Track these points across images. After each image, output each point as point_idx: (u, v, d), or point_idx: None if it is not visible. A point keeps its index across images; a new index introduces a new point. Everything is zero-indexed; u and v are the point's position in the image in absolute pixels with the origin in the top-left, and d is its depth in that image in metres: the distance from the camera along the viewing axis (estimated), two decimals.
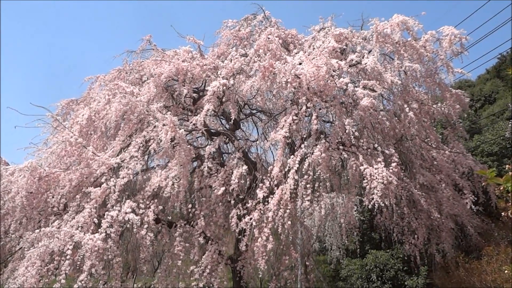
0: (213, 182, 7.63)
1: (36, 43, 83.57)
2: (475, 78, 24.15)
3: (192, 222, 7.79)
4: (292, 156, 7.12)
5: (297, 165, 6.91)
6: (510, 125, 13.53)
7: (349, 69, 7.79)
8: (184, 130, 7.52)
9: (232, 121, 8.07)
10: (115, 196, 6.71)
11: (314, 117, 7.03)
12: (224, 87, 7.72)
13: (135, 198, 7.17)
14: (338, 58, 7.52)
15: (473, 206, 8.46)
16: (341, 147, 7.13)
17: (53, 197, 6.95)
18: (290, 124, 7.03)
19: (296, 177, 6.89)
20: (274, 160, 7.68)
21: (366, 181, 6.60)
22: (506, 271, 8.65)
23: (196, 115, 7.60)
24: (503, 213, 6.90)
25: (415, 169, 8.55)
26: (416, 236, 8.82)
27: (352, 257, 15.25)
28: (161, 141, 6.95)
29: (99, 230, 6.31)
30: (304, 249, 10.83)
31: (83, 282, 5.93)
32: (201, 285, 7.25)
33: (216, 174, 7.67)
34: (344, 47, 8.31)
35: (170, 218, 8.41)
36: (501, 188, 3.66)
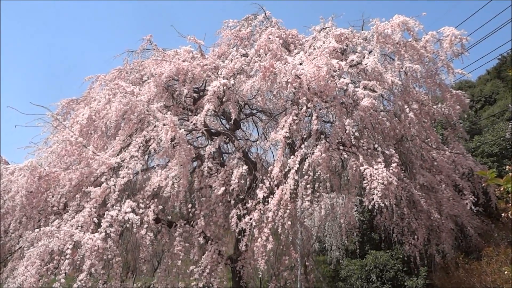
0: (213, 182, 7.63)
1: (36, 43, 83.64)
2: (476, 79, 24.20)
3: (192, 222, 7.79)
4: (292, 156, 7.12)
5: (297, 165, 6.91)
6: (510, 126, 13.52)
7: (349, 70, 7.79)
8: (184, 130, 7.52)
9: (232, 121, 8.07)
10: (115, 196, 6.71)
11: (314, 117, 7.03)
12: (225, 87, 7.72)
13: (135, 197, 7.16)
14: (339, 59, 7.52)
15: (473, 207, 8.46)
16: (341, 147, 7.13)
17: (53, 197, 6.95)
18: (290, 124, 7.03)
19: (296, 177, 6.89)
20: (274, 160, 7.68)
21: (366, 181, 6.60)
22: (506, 272, 8.64)
23: (197, 115, 7.60)
24: (503, 214, 6.89)
25: (415, 170, 8.55)
26: (416, 236, 8.82)
27: (352, 258, 15.24)
28: (161, 140, 6.95)
29: (99, 229, 6.31)
30: (304, 249, 10.84)
31: (82, 281, 5.93)
32: (200, 285, 7.25)
33: (216, 174, 7.67)
34: (345, 47, 8.31)
35: (170, 217, 8.41)
36: (501, 189, 3.66)
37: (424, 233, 8.75)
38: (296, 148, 7.54)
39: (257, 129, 10.70)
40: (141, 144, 7.28)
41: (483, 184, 8.95)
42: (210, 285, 7.36)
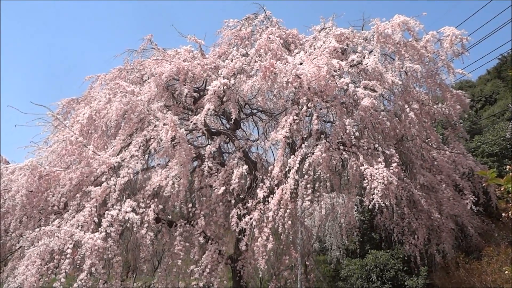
0: (213, 181, 7.63)
1: (36, 43, 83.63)
2: (476, 79, 24.20)
3: (192, 221, 7.79)
4: (292, 156, 7.12)
5: (298, 165, 6.92)
6: (510, 125, 13.52)
7: (350, 69, 7.79)
8: (185, 130, 7.52)
9: (232, 121, 8.07)
10: (116, 195, 6.72)
11: (314, 117, 7.03)
12: (225, 87, 7.72)
13: (136, 197, 7.17)
14: (339, 58, 7.52)
15: (473, 207, 8.46)
16: (341, 147, 7.13)
17: (53, 196, 6.96)
18: (290, 124, 7.03)
19: (297, 177, 6.90)
20: (274, 160, 7.68)
21: (366, 181, 6.60)
22: (506, 272, 8.65)
23: (197, 115, 7.61)
24: (503, 214, 6.88)
25: (415, 170, 8.55)
26: (416, 236, 8.82)
27: (352, 257, 15.23)
28: (161, 140, 6.95)
29: (99, 229, 6.32)
30: (304, 249, 10.83)
31: (83, 281, 5.94)
32: (201, 284, 7.25)
33: (216, 173, 7.67)
34: (345, 47, 8.31)
35: (170, 217, 8.41)
36: (502, 189, 3.66)
37: (425, 232, 8.75)
38: (296, 148, 7.55)
39: (258, 128, 10.72)
40: (142, 144, 7.28)
41: (484, 184, 8.95)
42: (211, 284, 7.36)
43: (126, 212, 6.50)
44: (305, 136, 7.81)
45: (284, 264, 8.12)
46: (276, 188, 6.96)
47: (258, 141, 10.06)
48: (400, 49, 7.91)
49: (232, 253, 8.53)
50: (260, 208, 6.95)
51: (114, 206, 6.60)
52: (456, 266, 10.69)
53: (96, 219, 6.48)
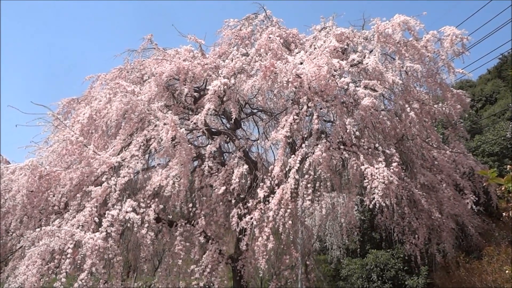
0: (213, 181, 7.63)
1: (36, 43, 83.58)
2: (476, 78, 24.19)
3: (193, 221, 7.79)
4: (293, 156, 7.12)
5: (298, 165, 6.92)
6: (511, 125, 13.53)
7: (350, 69, 7.79)
8: (185, 129, 7.52)
9: (233, 121, 8.07)
10: (116, 195, 6.72)
11: (315, 116, 7.03)
12: (225, 87, 7.72)
13: (136, 197, 7.17)
14: (339, 58, 7.52)
15: (474, 206, 8.46)
16: (342, 146, 7.13)
17: (53, 196, 6.96)
18: (291, 123, 7.03)
19: (297, 176, 6.90)
20: (275, 160, 7.68)
21: (367, 180, 6.60)
22: (506, 271, 8.65)
23: (197, 114, 7.61)
24: (504, 213, 6.91)
25: (416, 169, 8.55)
26: (416, 236, 8.82)
27: (353, 257, 15.24)
28: (162, 140, 6.95)
29: (100, 229, 6.32)
30: (305, 248, 10.83)
31: (83, 281, 5.94)
32: (201, 284, 7.25)
33: (216, 173, 7.67)
34: (346, 46, 8.30)
35: (170, 217, 8.41)
36: (502, 188, 3.67)
37: (425, 232, 8.75)
38: (296, 147, 7.54)
39: (258, 128, 10.72)
40: (142, 144, 7.28)
41: (484, 184, 8.95)
42: (211, 284, 7.36)
43: (127, 212, 6.50)
44: (305, 135, 7.81)
45: (285, 263, 8.12)
46: (276, 187, 6.96)
47: (258, 141, 10.06)
48: (401, 48, 7.91)
49: (233, 252, 8.53)
50: (261, 208, 6.95)
51: (115, 206, 6.60)
52: (457, 266, 10.69)
53: (96, 219, 6.48)
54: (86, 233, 6.19)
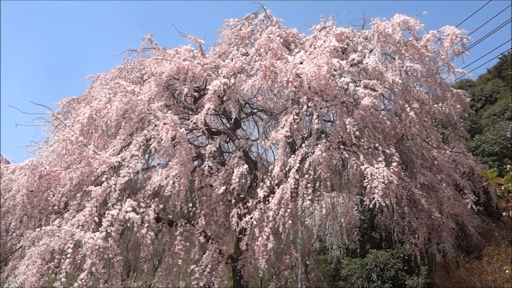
0: (213, 181, 7.63)
1: (36, 43, 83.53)
2: (476, 78, 24.19)
3: (193, 221, 7.79)
4: (293, 156, 7.12)
5: (298, 165, 6.91)
6: (511, 125, 13.52)
7: (350, 69, 7.78)
8: (185, 129, 7.51)
9: (233, 120, 8.07)
10: (116, 195, 6.72)
11: (315, 116, 7.03)
12: (225, 86, 7.71)
13: (136, 197, 7.17)
14: (339, 58, 7.52)
15: (473, 206, 8.46)
16: (342, 146, 7.13)
17: (53, 196, 6.96)
18: (291, 123, 7.03)
19: (297, 176, 6.90)
20: (274, 160, 7.68)
21: (366, 180, 6.60)
22: (506, 271, 8.65)
23: (197, 114, 7.60)
24: (504, 213, 6.90)
25: (415, 169, 8.55)
26: (416, 235, 8.81)
27: (353, 257, 15.24)
28: (161, 140, 6.95)
29: (100, 228, 6.32)
30: (305, 248, 10.83)
31: (83, 280, 5.94)
32: (201, 284, 7.25)
33: (216, 173, 7.67)
34: (345, 46, 8.30)
35: (170, 217, 8.40)
36: (502, 188, 3.67)
37: (425, 232, 8.74)
38: (296, 147, 7.55)
39: (258, 128, 10.71)
40: (142, 143, 7.28)
41: (484, 183, 8.95)
42: (211, 284, 7.36)
43: (127, 211, 6.50)
44: (305, 135, 7.81)
45: (285, 263, 8.11)
46: (276, 187, 6.96)
47: (258, 141, 10.06)
48: (401, 48, 7.91)
49: (233, 252, 8.53)
50: (261, 208, 6.95)
51: (115, 206, 6.60)
52: (457, 266, 10.69)
53: (96, 219, 6.48)
54: (86, 233, 6.19)
